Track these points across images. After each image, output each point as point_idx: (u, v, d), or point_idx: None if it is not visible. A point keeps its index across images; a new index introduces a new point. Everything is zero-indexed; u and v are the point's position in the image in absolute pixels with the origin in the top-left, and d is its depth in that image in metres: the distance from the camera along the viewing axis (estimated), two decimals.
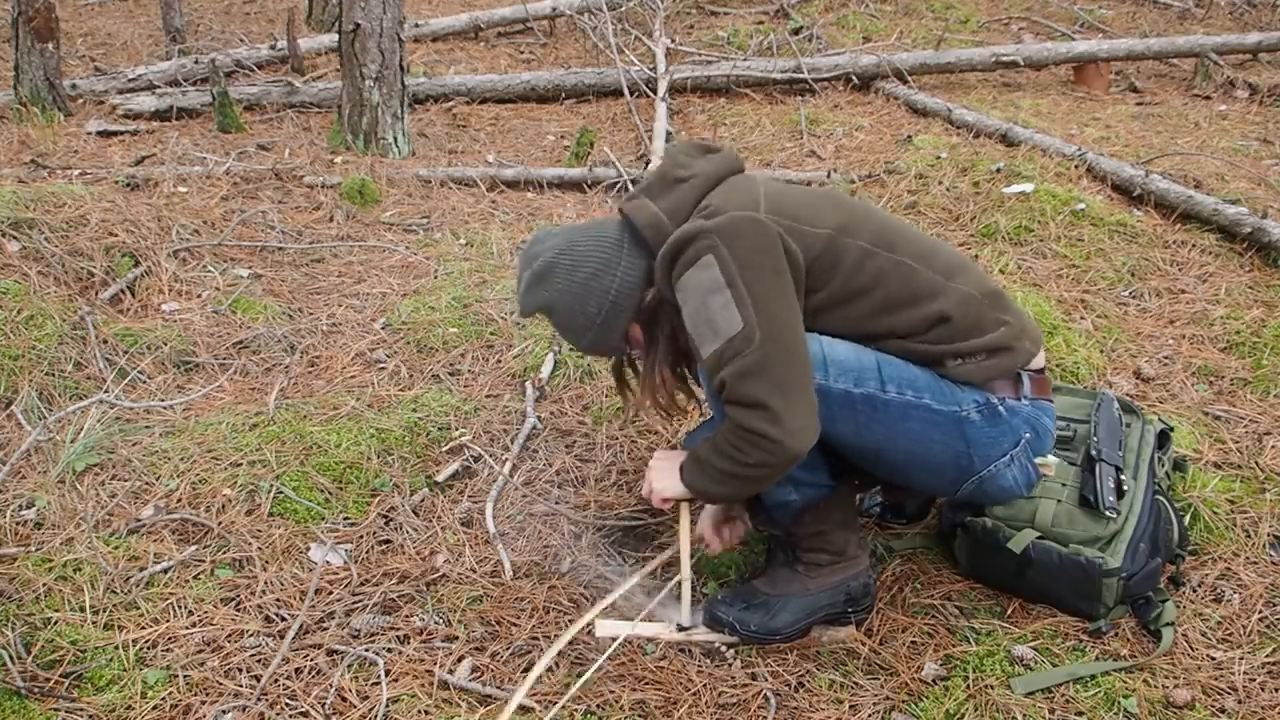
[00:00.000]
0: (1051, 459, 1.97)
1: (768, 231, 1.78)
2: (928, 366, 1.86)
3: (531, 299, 1.97)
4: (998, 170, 4.17)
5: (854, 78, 5.97)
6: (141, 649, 1.97)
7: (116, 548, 2.21)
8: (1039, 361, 1.95)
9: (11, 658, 1.88)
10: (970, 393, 1.86)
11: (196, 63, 6.06)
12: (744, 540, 2.23)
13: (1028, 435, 1.90)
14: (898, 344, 1.86)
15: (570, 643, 2.04)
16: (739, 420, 1.76)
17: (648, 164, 4.67)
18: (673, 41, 6.51)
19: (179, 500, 2.38)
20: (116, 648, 1.96)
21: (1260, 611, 2.09)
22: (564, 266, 1.93)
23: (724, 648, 2.04)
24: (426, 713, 1.86)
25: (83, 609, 2.04)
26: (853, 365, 1.83)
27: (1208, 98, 5.94)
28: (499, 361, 3.05)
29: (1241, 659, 1.98)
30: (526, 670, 1.98)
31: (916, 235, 1.96)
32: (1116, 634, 2.04)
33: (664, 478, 1.95)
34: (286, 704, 1.87)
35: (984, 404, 1.86)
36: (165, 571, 2.17)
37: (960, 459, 1.88)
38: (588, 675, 1.92)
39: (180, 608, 2.08)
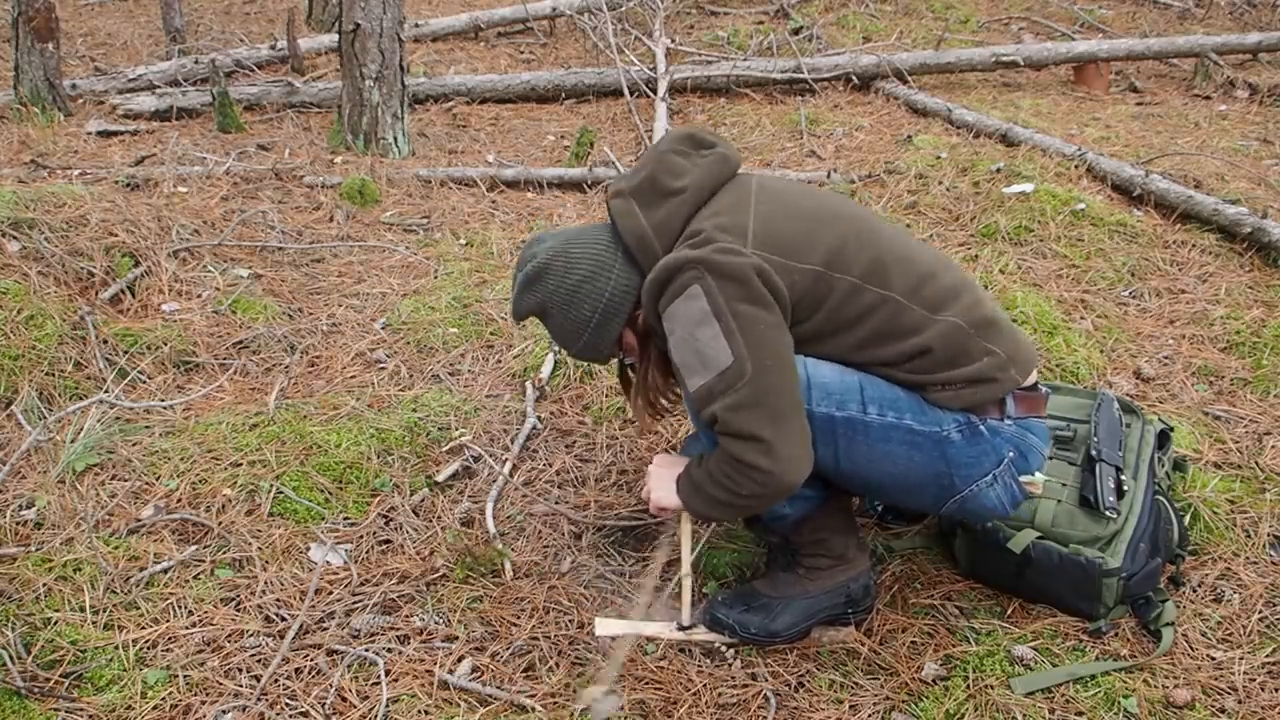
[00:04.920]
0: (1039, 477, 1.93)
1: (752, 264, 1.74)
2: (910, 390, 1.85)
3: (524, 302, 1.96)
4: (998, 170, 4.17)
5: (854, 78, 5.97)
6: (141, 649, 1.97)
7: (116, 548, 2.21)
8: (1030, 379, 1.92)
9: (11, 658, 1.88)
10: (952, 413, 1.84)
11: (196, 63, 6.07)
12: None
13: (1011, 455, 1.87)
14: (879, 371, 1.85)
15: (570, 643, 2.04)
16: (733, 452, 1.74)
17: None
18: (673, 41, 6.51)
19: (179, 500, 2.38)
20: (116, 648, 1.96)
21: (1260, 611, 2.09)
22: (557, 270, 1.91)
23: (724, 648, 2.04)
24: (426, 713, 1.86)
25: (83, 609, 2.04)
26: (836, 388, 1.82)
27: (1208, 98, 5.94)
28: (499, 361, 3.05)
29: (1241, 659, 1.98)
30: (526, 670, 1.98)
31: (914, 258, 1.88)
32: (1116, 634, 2.04)
33: (662, 488, 1.95)
34: (286, 704, 1.87)
35: (965, 424, 1.84)
36: (165, 571, 2.17)
37: (941, 479, 1.86)
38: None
39: (180, 608, 2.08)
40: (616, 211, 1.91)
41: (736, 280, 1.73)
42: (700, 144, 1.94)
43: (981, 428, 1.84)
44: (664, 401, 2.11)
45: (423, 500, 2.46)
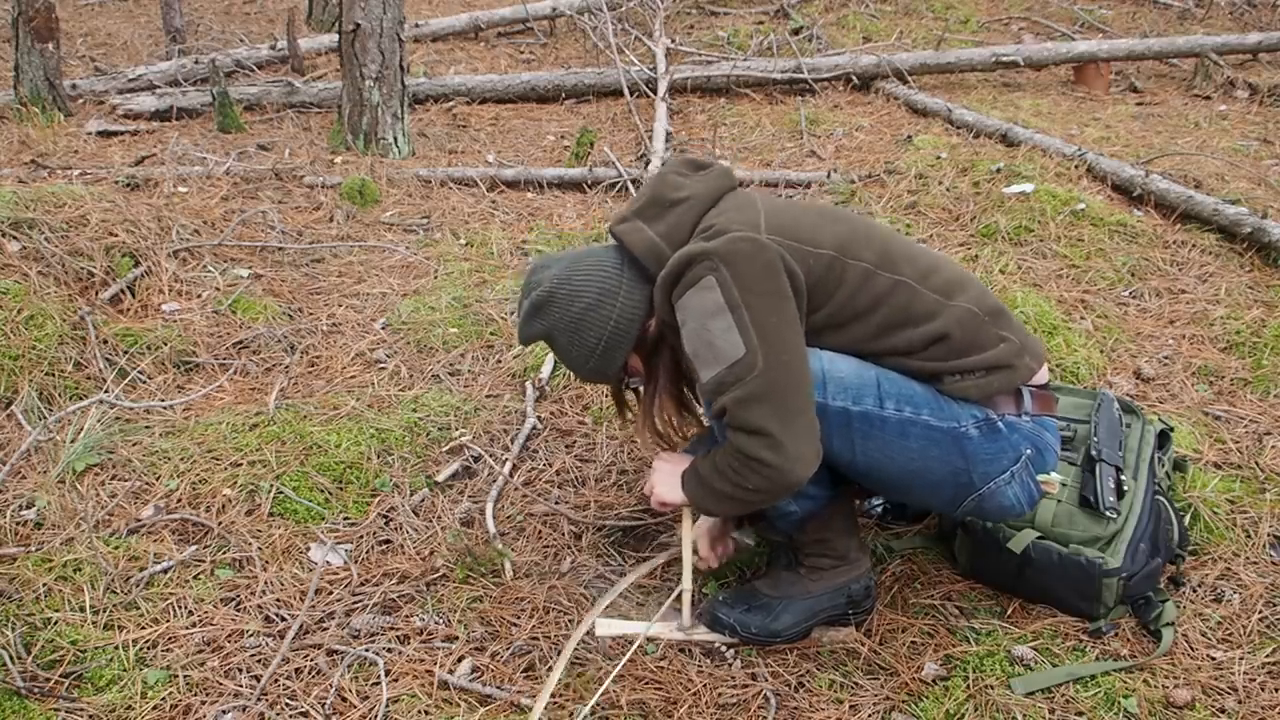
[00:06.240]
0: (1054, 476, 1.94)
1: (769, 253, 1.76)
2: (927, 383, 1.85)
3: (530, 329, 1.96)
4: (998, 170, 4.17)
5: (854, 78, 5.97)
6: (141, 649, 1.97)
7: (116, 548, 2.21)
8: (1041, 377, 1.93)
9: (11, 658, 1.88)
10: (970, 409, 1.84)
11: (196, 63, 6.07)
12: (740, 553, 2.24)
13: (1028, 452, 1.87)
14: (896, 361, 1.85)
15: None
16: (740, 446, 1.75)
17: (648, 164, 4.67)
18: (673, 41, 6.51)
19: (179, 500, 2.38)
20: (116, 648, 1.96)
21: (1260, 611, 2.09)
22: (562, 297, 1.91)
23: (724, 648, 2.04)
24: (426, 713, 1.86)
25: (83, 609, 2.03)
26: (852, 382, 1.81)
27: (1208, 98, 5.94)
28: (499, 361, 3.05)
29: (1241, 659, 1.98)
30: (526, 670, 1.98)
31: (917, 252, 1.92)
32: (1116, 634, 2.04)
33: (665, 483, 1.95)
34: (286, 704, 1.87)
35: (983, 420, 1.84)
36: (165, 571, 2.17)
37: (959, 476, 1.86)
38: (602, 685, 1.92)
39: (180, 608, 2.08)
40: (622, 233, 1.92)
41: (751, 271, 1.74)
42: (698, 166, 1.98)
43: (999, 424, 1.84)
44: (673, 434, 2.09)
45: (423, 500, 2.46)
